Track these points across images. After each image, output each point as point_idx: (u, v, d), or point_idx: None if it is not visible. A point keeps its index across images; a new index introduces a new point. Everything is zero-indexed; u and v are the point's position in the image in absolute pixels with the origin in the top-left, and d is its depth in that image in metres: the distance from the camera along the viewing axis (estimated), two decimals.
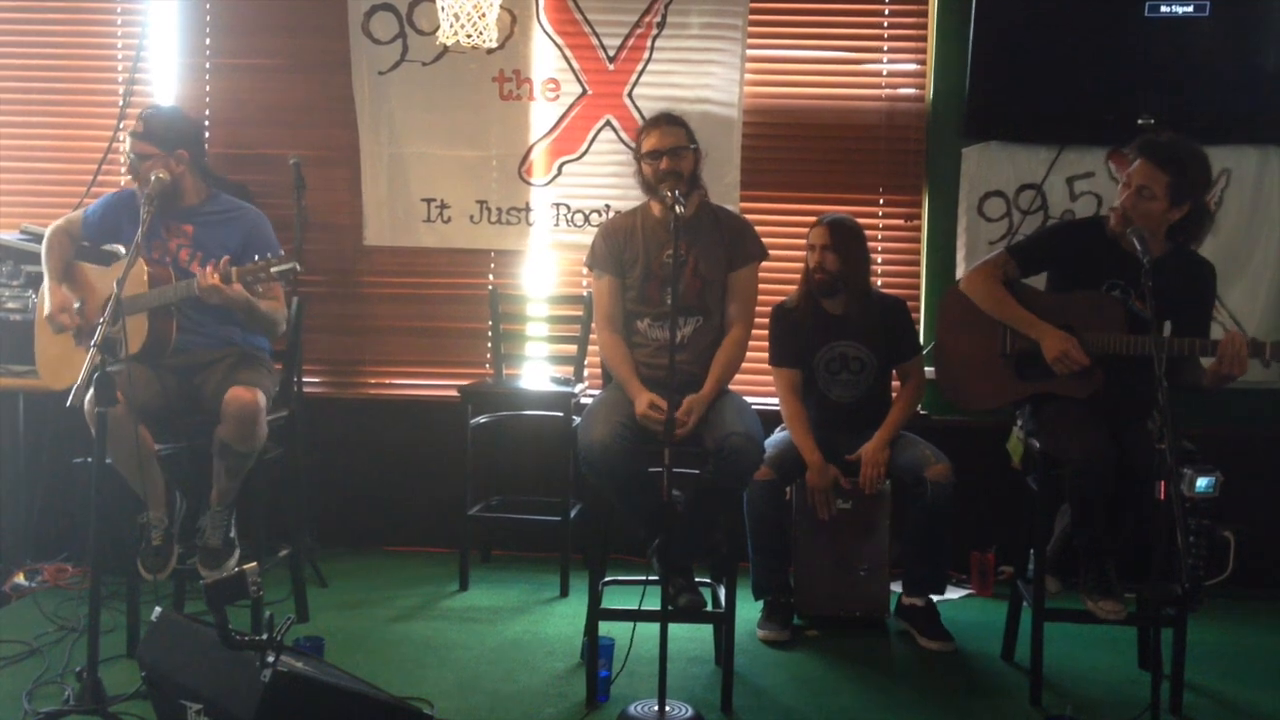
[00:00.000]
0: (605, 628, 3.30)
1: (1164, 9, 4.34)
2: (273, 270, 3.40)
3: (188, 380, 3.61)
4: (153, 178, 3.48)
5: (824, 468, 3.86)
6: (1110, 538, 3.32)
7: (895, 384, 4.13)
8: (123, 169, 4.80)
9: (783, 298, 4.11)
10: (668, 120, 3.57)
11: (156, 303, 3.48)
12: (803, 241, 4.06)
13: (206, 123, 4.74)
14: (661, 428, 3.19)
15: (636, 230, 3.62)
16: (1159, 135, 3.47)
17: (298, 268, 3.45)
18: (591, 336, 4.44)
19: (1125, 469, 3.24)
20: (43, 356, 3.80)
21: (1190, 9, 4.34)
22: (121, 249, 3.76)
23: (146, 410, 3.43)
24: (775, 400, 4.05)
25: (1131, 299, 3.40)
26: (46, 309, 3.68)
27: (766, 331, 4.06)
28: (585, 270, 4.38)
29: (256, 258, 3.44)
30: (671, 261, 3.27)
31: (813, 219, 4.03)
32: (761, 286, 4.39)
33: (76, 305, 3.67)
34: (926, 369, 4.04)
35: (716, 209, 3.71)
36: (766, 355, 4.08)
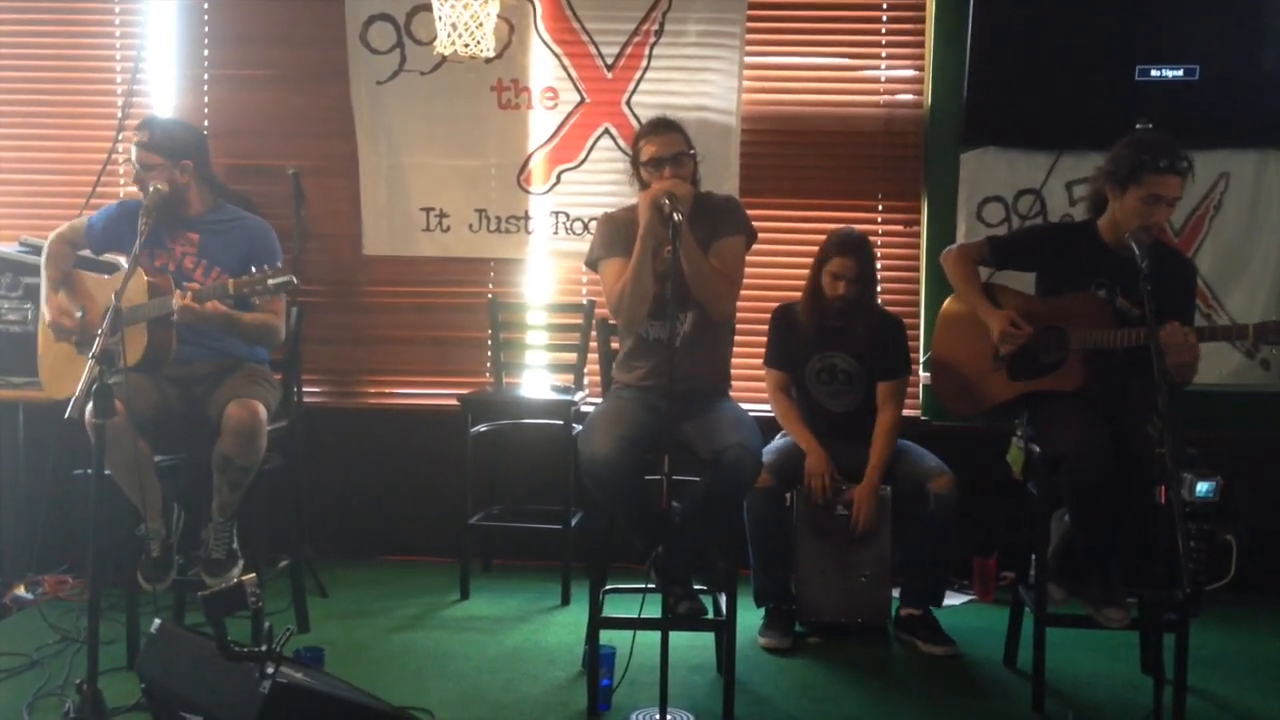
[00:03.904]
0: (606, 636, 3.30)
1: None
2: (269, 283, 3.36)
3: (188, 391, 3.61)
4: (150, 189, 3.48)
5: (822, 454, 3.87)
6: (1110, 535, 3.31)
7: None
8: (121, 179, 4.82)
9: (776, 304, 4.09)
10: (665, 126, 3.46)
11: (145, 316, 3.48)
12: (802, 249, 4.05)
13: (205, 134, 4.73)
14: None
15: (635, 225, 3.54)
16: (1160, 137, 3.46)
17: (294, 281, 3.38)
18: (592, 344, 4.44)
19: (1126, 471, 3.24)
20: (45, 365, 3.81)
21: None
22: (123, 260, 3.76)
23: (146, 421, 3.43)
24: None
25: (1117, 298, 3.44)
26: (47, 317, 3.69)
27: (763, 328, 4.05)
28: (585, 269, 4.35)
29: (254, 269, 3.43)
30: (670, 256, 3.19)
31: (812, 225, 4.00)
32: (761, 294, 4.43)
33: (79, 314, 3.67)
34: (924, 375, 4.03)
35: (705, 195, 3.55)
36: (761, 361, 4.07)
